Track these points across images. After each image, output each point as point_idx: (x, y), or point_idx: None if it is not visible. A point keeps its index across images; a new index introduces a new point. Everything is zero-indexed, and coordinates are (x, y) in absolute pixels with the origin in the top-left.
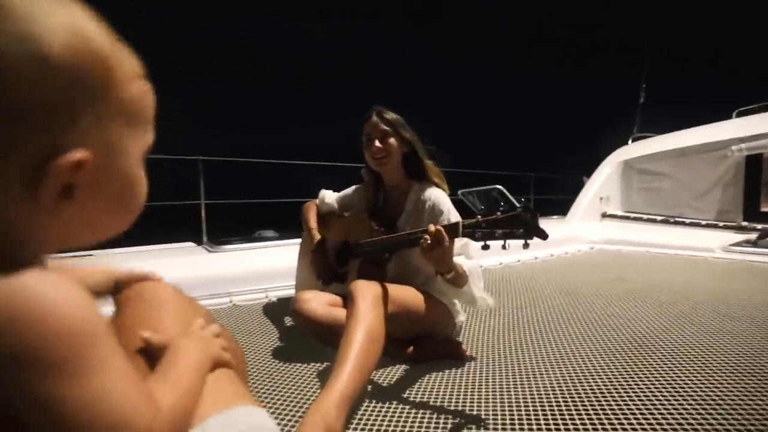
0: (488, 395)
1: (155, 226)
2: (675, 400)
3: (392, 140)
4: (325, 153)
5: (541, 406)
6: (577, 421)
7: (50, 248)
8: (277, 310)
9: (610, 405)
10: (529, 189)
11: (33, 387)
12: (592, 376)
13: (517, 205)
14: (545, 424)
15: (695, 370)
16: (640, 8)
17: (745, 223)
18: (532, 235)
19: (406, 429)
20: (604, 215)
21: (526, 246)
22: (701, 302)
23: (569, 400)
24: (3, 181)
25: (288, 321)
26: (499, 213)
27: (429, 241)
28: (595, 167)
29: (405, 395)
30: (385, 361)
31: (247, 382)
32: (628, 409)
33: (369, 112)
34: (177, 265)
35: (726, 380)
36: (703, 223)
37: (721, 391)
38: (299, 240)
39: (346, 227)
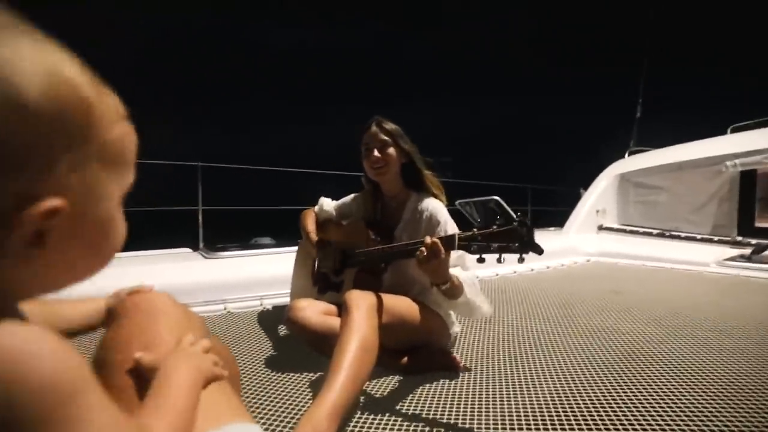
0: (482, 407)
1: (151, 232)
2: (668, 415)
3: (391, 150)
4: (324, 159)
5: (534, 418)
6: None
7: (21, 296)
8: (272, 318)
9: (602, 419)
10: (526, 200)
11: None
12: (586, 389)
13: (514, 217)
14: None
15: (690, 384)
16: (639, 9)
17: (739, 238)
18: (527, 249)
19: None
20: (601, 228)
21: (521, 260)
22: (696, 316)
23: (562, 411)
24: None
25: (282, 329)
26: (495, 227)
27: (425, 253)
28: (592, 180)
29: (398, 406)
30: (379, 372)
31: (240, 393)
32: (620, 423)
33: (368, 122)
34: (172, 270)
35: (721, 395)
36: (699, 237)
37: (714, 408)
38: (296, 248)
39: (343, 235)
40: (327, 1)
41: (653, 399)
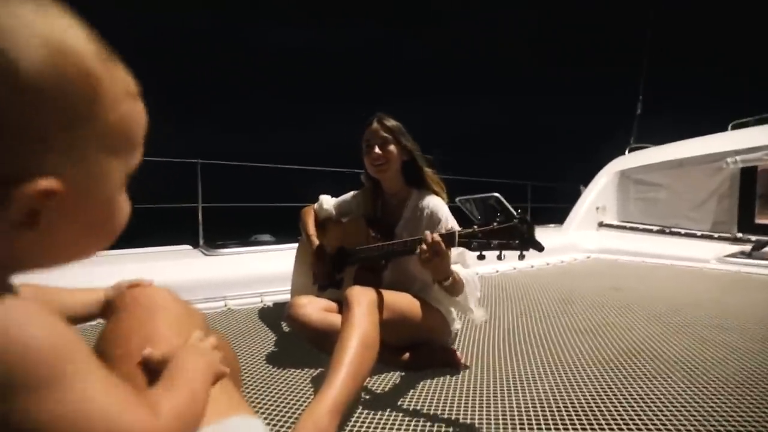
0: (483, 403)
1: (152, 229)
2: (668, 411)
3: (392, 147)
4: (321, 157)
5: (535, 414)
6: (571, 430)
7: (15, 271)
8: (273, 315)
9: (604, 415)
10: (526, 197)
11: (16, 410)
12: (587, 385)
13: (515, 214)
14: None
15: (690, 381)
16: (639, 8)
17: (739, 235)
18: (528, 246)
19: None
20: (601, 225)
21: (521, 257)
22: (697, 313)
23: (563, 408)
24: None
25: (283, 326)
26: (495, 224)
27: (426, 250)
28: (592, 177)
29: (399, 402)
30: (380, 368)
31: (242, 389)
32: (622, 419)
33: (370, 118)
34: (173, 268)
35: (720, 392)
36: (699, 234)
37: (714, 404)
38: (296, 245)
39: (343, 233)
40: (323, 1)
41: (653, 395)
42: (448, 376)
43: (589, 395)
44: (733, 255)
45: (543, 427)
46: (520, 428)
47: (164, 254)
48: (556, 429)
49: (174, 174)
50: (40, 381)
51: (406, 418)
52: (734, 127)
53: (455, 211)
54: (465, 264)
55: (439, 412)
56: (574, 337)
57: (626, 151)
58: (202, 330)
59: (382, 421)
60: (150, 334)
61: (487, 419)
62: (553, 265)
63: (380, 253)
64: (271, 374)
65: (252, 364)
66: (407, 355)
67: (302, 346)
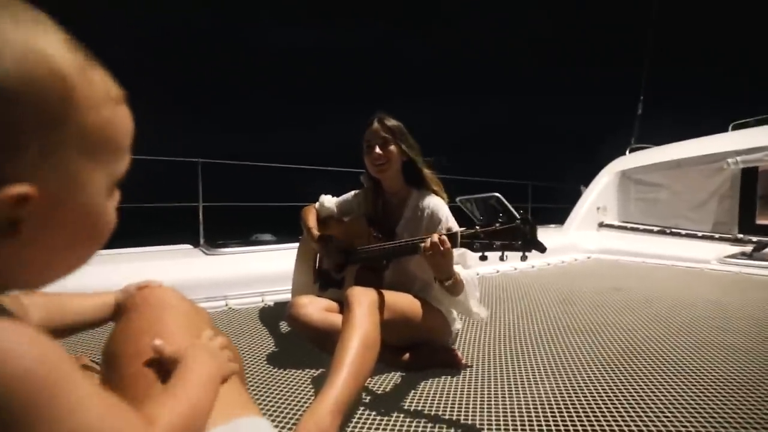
0: (484, 403)
1: (152, 228)
2: (669, 411)
3: (393, 147)
4: (323, 157)
5: (536, 414)
6: (572, 430)
7: (2, 289)
8: (273, 315)
9: (605, 415)
10: (526, 197)
11: None
12: (587, 385)
13: (516, 215)
14: None
15: (690, 381)
16: (640, 7)
17: (740, 236)
18: (530, 247)
19: None
20: (601, 225)
21: (524, 258)
22: (697, 314)
23: (564, 409)
24: None
25: (284, 326)
26: (497, 224)
27: (429, 248)
28: (592, 177)
29: (400, 402)
30: (381, 368)
31: (246, 387)
32: (623, 420)
33: (370, 118)
34: (173, 267)
35: (721, 393)
36: (700, 234)
37: (714, 405)
38: (297, 244)
39: (344, 232)
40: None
41: (654, 395)
42: (448, 377)
43: (590, 395)
44: (733, 256)
45: (544, 427)
46: (521, 428)
47: (165, 253)
48: (557, 429)
49: (175, 173)
50: (43, 411)
51: (407, 419)
52: (735, 128)
53: (456, 210)
54: (465, 265)
55: (440, 413)
56: (575, 338)
57: (627, 152)
58: (209, 327)
59: (384, 421)
60: (160, 332)
61: (488, 419)
62: (554, 265)
63: (382, 252)
64: (272, 374)
65: (253, 364)
66: (408, 355)
67: (303, 346)
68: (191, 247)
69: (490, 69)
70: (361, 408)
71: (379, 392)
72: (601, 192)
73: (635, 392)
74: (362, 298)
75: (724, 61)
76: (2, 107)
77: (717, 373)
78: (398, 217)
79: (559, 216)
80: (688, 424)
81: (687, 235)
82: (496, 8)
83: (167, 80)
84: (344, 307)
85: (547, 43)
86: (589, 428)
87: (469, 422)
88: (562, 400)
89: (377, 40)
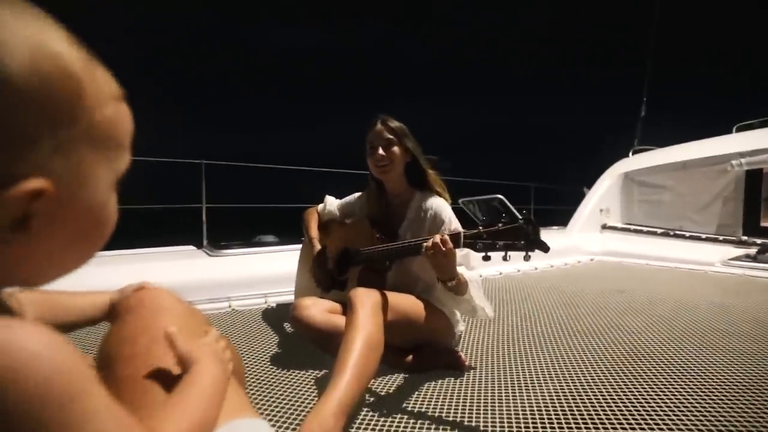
0: (487, 405)
1: (155, 229)
2: (674, 414)
3: (395, 149)
4: (324, 157)
5: (540, 417)
6: None
7: (5, 284)
8: (277, 316)
9: (609, 418)
10: (529, 199)
11: None
12: (591, 388)
13: (518, 216)
14: None
15: (694, 384)
16: (643, 8)
17: (745, 238)
18: (533, 247)
19: None
20: (605, 227)
21: (527, 258)
22: (701, 316)
23: (568, 411)
24: None
25: (287, 327)
26: (500, 225)
27: (431, 247)
28: (595, 178)
29: (403, 404)
30: (384, 370)
31: (245, 390)
32: (627, 422)
33: (373, 119)
34: (177, 268)
35: (725, 396)
36: (703, 236)
37: (721, 407)
38: (300, 246)
39: (347, 234)
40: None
41: (658, 398)
42: (452, 378)
43: (594, 398)
44: (738, 258)
45: (548, 428)
46: (525, 430)
47: (168, 254)
48: (561, 430)
49: (178, 174)
50: (58, 418)
51: (411, 420)
52: (739, 129)
53: (458, 212)
54: (469, 266)
55: (443, 414)
56: (578, 340)
57: (630, 153)
58: (205, 328)
59: (387, 423)
60: (157, 334)
61: (492, 421)
62: (557, 267)
63: (384, 253)
64: (276, 375)
65: (256, 365)
66: (411, 356)
67: (306, 347)
68: (194, 248)
69: (491, 69)
70: (365, 409)
71: (383, 394)
72: (604, 194)
73: (639, 394)
74: (365, 299)
75: (728, 62)
76: (17, 105)
77: (721, 376)
78: (401, 219)
79: (562, 218)
80: (693, 427)
81: (691, 237)
82: (497, 8)
83: (168, 80)
84: (347, 308)
85: (548, 43)
86: (593, 429)
87: (473, 424)
88: (566, 402)
89: (377, 40)
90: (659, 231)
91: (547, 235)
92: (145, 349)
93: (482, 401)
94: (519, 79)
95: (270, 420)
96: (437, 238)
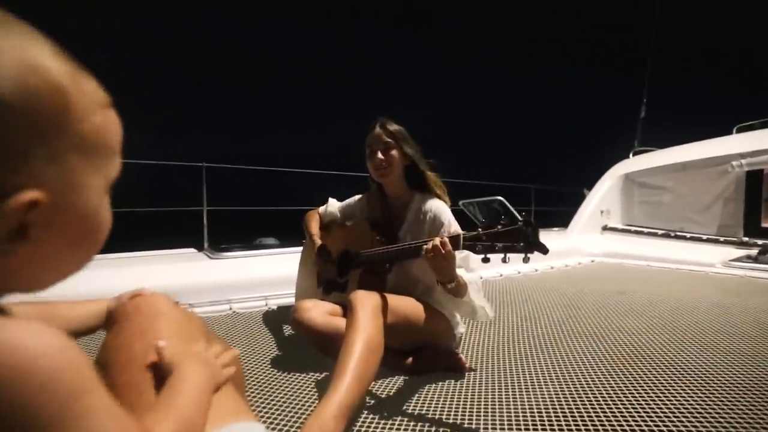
0: (488, 407)
1: (156, 232)
2: (675, 416)
3: (394, 152)
4: (324, 157)
5: (540, 418)
6: None
7: (5, 292)
8: (277, 318)
9: (609, 419)
10: (529, 200)
11: None
12: (591, 389)
13: (519, 217)
14: None
15: (696, 387)
16: (643, 8)
17: (746, 239)
18: (532, 249)
19: None
20: (605, 228)
21: (526, 260)
22: (701, 318)
23: (568, 413)
24: None
25: (287, 329)
26: (499, 226)
27: (431, 250)
28: (595, 180)
29: (404, 407)
30: (384, 372)
31: (245, 393)
32: (627, 424)
33: (372, 123)
34: (177, 271)
35: (727, 398)
36: (704, 237)
37: (721, 409)
38: (300, 248)
39: (347, 236)
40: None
41: (658, 399)
42: (452, 380)
43: (594, 400)
44: (739, 259)
45: (548, 430)
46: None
47: (169, 257)
48: None
49: (179, 177)
50: (59, 415)
51: (411, 423)
52: (739, 130)
53: (458, 214)
54: (468, 268)
55: (443, 417)
56: (579, 342)
57: (630, 154)
58: (203, 334)
59: (387, 426)
60: (153, 340)
61: (492, 423)
62: (558, 269)
63: (384, 256)
64: (276, 378)
65: (257, 367)
66: (411, 359)
67: (307, 349)
68: (195, 251)
69: (491, 69)
70: (365, 412)
71: (383, 396)
72: (604, 195)
73: (640, 396)
74: (365, 301)
75: (728, 62)
76: (7, 121)
77: (722, 377)
78: (401, 221)
79: (562, 219)
80: (693, 429)
81: (691, 239)
82: (497, 8)
83: (168, 80)
84: (348, 310)
85: (548, 44)
86: (593, 431)
87: (473, 426)
88: (566, 404)
89: (377, 40)
90: (660, 232)
91: (547, 236)
92: (141, 355)
93: (482, 403)
94: (519, 79)
95: (270, 423)
96: (437, 240)
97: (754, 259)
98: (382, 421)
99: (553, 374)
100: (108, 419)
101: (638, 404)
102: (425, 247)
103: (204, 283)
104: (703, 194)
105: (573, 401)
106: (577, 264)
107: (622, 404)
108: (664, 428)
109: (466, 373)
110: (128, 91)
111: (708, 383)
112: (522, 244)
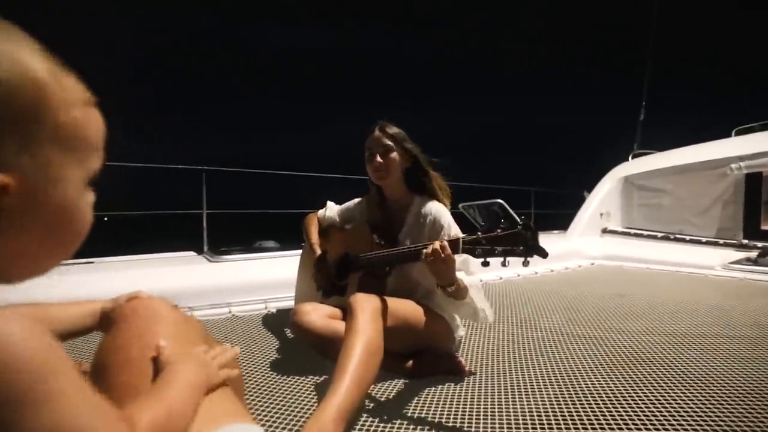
0: (487, 411)
1: (156, 235)
2: (675, 419)
3: (393, 155)
4: (324, 158)
5: (540, 422)
6: None
7: None
8: (277, 322)
9: (609, 423)
10: (529, 203)
11: None
12: (591, 393)
13: (518, 221)
14: None
15: (696, 390)
16: (642, 10)
17: (745, 241)
18: (532, 253)
19: None
20: (605, 231)
21: (525, 264)
22: (701, 321)
23: (568, 416)
24: None
25: (287, 332)
26: (499, 230)
27: (430, 254)
28: (595, 182)
29: (403, 410)
30: (384, 376)
31: (244, 396)
32: (627, 428)
33: (372, 126)
34: (177, 274)
35: (727, 402)
36: (704, 240)
37: (722, 413)
38: (300, 251)
39: (347, 240)
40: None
41: (658, 403)
42: (452, 384)
43: (594, 403)
44: (738, 262)
45: None
46: None
47: (169, 260)
48: None
49: (179, 180)
50: (26, 396)
51: (411, 426)
52: (738, 133)
53: (458, 217)
54: (468, 271)
55: (443, 420)
56: (579, 344)
57: (630, 157)
58: (201, 337)
59: (386, 429)
60: (150, 342)
61: (492, 427)
62: (557, 271)
63: (384, 259)
64: (275, 381)
65: (256, 370)
66: (411, 362)
67: (306, 352)
68: (195, 254)
69: (490, 71)
70: (364, 415)
71: (382, 399)
72: (604, 198)
73: (640, 400)
74: (365, 305)
75: (728, 65)
76: None
77: (722, 380)
78: (401, 224)
79: (562, 222)
80: (691, 431)
81: (691, 241)
82: (497, 9)
83: (168, 81)
84: (347, 314)
85: (548, 45)
86: None
87: (473, 429)
88: (566, 407)
89: (377, 40)
90: (659, 235)
91: (547, 239)
92: (138, 355)
93: (482, 406)
94: (519, 80)
95: (269, 426)
96: (436, 244)
97: (754, 262)
98: (382, 425)
99: (553, 377)
100: (79, 401)
101: (638, 407)
102: (425, 251)
103: (204, 286)
104: (703, 197)
105: (573, 404)
106: (577, 267)
107: (621, 407)
108: (664, 431)
109: (466, 377)
110: (128, 92)
111: (708, 386)
112: (522, 248)
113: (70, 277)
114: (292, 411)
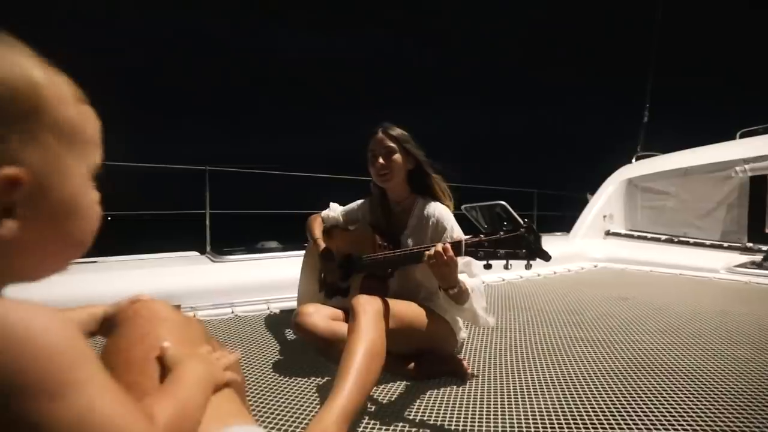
0: (489, 413)
1: (159, 235)
2: (678, 422)
3: (397, 157)
4: (329, 162)
5: (542, 425)
6: None
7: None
8: (279, 322)
9: (611, 425)
10: (532, 205)
11: (18, 412)
12: (594, 396)
13: (521, 222)
14: None
15: (700, 394)
16: (646, 13)
17: (750, 244)
18: (534, 256)
19: None
20: (608, 233)
21: (528, 267)
22: (705, 324)
23: (571, 419)
24: None
25: (289, 333)
26: (502, 233)
27: (433, 256)
28: (598, 185)
29: (405, 412)
30: (386, 377)
31: (246, 398)
32: (629, 429)
33: (375, 128)
34: (180, 274)
35: (731, 405)
36: (708, 243)
37: (726, 417)
38: (303, 252)
39: (350, 241)
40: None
41: (661, 406)
42: (454, 386)
43: (597, 406)
44: (743, 265)
45: None
46: None
47: (172, 260)
48: None
49: (183, 180)
50: (54, 387)
51: (413, 428)
52: (743, 135)
53: (461, 218)
54: (471, 273)
55: (445, 422)
56: (582, 347)
57: (633, 159)
58: (203, 339)
59: (389, 431)
60: (153, 343)
61: (494, 429)
62: (560, 274)
63: (387, 261)
64: (278, 382)
65: (258, 371)
66: (413, 364)
67: (309, 354)
68: (198, 254)
69: (494, 75)
70: (367, 417)
71: (385, 401)
72: (607, 200)
73: (642, 402)
74: (367, 306)
75: (732, 67)
76: None
77: (726, 383)
78: (404, 226)
79: (565, 224)
80: None
81: (695, 244)
82: (501, 15)
83: (176, 85)
84: (350, 315)
85: (553, 48)
86: None
87: None
88: (569, 410)
89: (383, 47)
90: (663, 237)
91: (550, 241)
92: (142, 356)
93: (485, 409)
94: (522, 84)
95: (272, 427)
96: (439, 247)
97: (759, 265)
98: (384, 427)
99: (556, 380)
100: (103, 392)
101: (642, 411)
102: (427, 253)
103: (206, 287)
104: (707, 199)
105: (576, 407)
106: (580, 269)
107: (624, 409)
108: None
109: (469, 379)
110: (134, 95)
111: (712, 389)
112: (524, 251)
113: (73, 276)
114: (295, 412)
